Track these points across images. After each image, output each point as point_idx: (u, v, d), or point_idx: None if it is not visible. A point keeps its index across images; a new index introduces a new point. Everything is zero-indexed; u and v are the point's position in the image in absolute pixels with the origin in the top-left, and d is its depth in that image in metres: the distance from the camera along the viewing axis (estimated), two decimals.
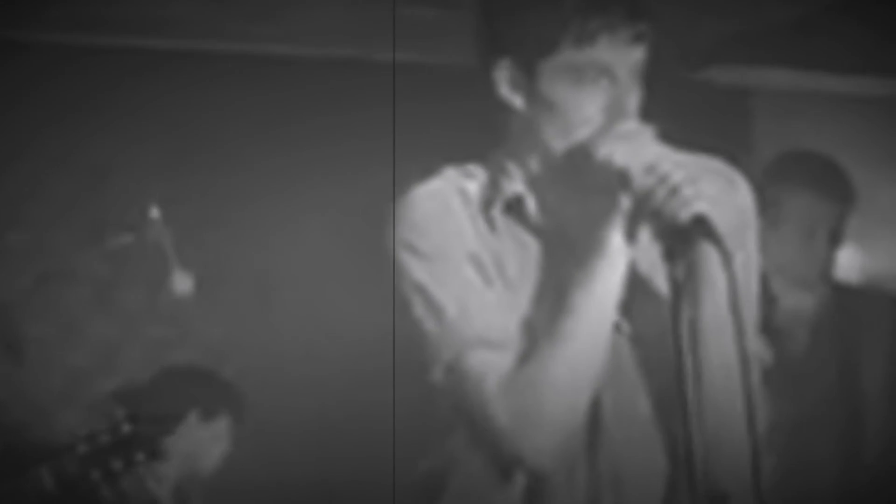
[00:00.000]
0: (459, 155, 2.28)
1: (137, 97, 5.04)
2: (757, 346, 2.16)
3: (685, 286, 1.95)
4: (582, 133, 2.08)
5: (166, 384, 4.12)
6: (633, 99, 2.10)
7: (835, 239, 3.53)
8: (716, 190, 2.00)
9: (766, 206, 3.40)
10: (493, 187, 2.19)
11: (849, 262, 4.42)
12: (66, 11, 4.74)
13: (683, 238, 1.95)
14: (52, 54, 4.92)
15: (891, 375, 3.51)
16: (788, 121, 5.84)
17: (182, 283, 3.92)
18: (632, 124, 2.07)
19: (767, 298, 3.42)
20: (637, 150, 2.01)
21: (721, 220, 1.93)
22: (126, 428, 3.51)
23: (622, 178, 2.00)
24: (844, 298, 3.57)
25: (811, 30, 5.12)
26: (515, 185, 2.17)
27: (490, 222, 2.18)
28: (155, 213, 3.85)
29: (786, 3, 4.96)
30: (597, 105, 2.08)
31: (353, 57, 5.29)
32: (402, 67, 5.07)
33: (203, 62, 5.16)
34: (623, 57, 2.07)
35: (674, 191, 1.94)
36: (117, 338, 5.01)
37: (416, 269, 2.14)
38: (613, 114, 2.07)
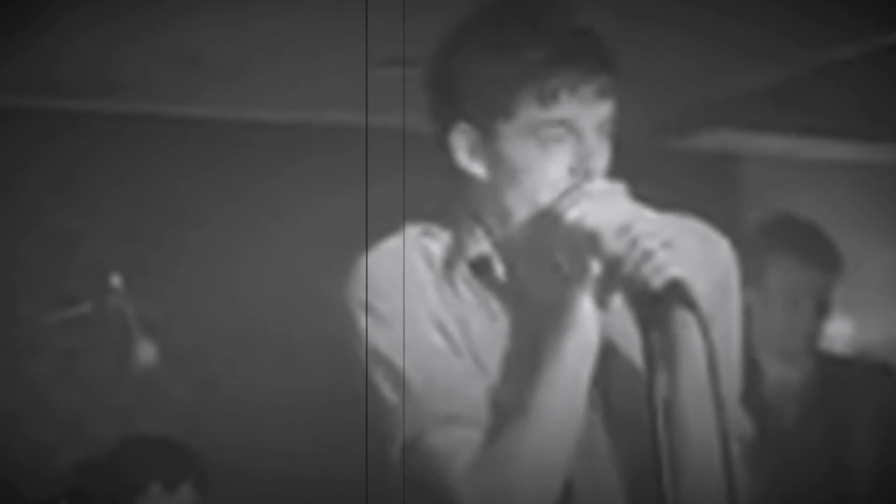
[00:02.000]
0: (429, 214, 2.14)
1: (102, 162, 5.05)
2: (738, 418, 2.04)
3: (662, 356, 1.84)
4: (546, 197, 1.95)
5: (126, 457, 4.01)
6: (602, 159, 1.97)
7: (821, 309, 3.45)
8: (693, 251, 1.89)
9: (750, 275, 3.35)
10: (457, 247, 2.05)
11: (838, 333, 4.34)
12: (30, 74, 4.72)
13: (658, 305, 1.83)
14: (15, 118, 4.92)
15: (880, 447, 3.44)
16: (777, 187, 5.79)
17: (145, 352, 3.82)
18: (602, 183, 1.94)
19: (753, 371, 3.36)
20: (608, 210, 1.89)
21: (699, 283, 1.82)
22: None
23: (592, 242, 1.88)
24: (832, 370, 3.50)
25: (800, 95, 5.09)
26: (481, 245, 2.03)
27: (454, 285, 2.04)
28: (116, 280, 3.74)
29: (774, 67, 4.93)
30: (563, 166, 1.95)
31: (321, 120, 5.31)
32: (373, 130, 5.06)
33: (169, 127, 5.17)
34: (588, 113, 1.94)
35: (647, 255, 1.83)
36: (83, 409, 4.96)
37: (376, 335, 2.01)
38: (580, 174, 1.94)
